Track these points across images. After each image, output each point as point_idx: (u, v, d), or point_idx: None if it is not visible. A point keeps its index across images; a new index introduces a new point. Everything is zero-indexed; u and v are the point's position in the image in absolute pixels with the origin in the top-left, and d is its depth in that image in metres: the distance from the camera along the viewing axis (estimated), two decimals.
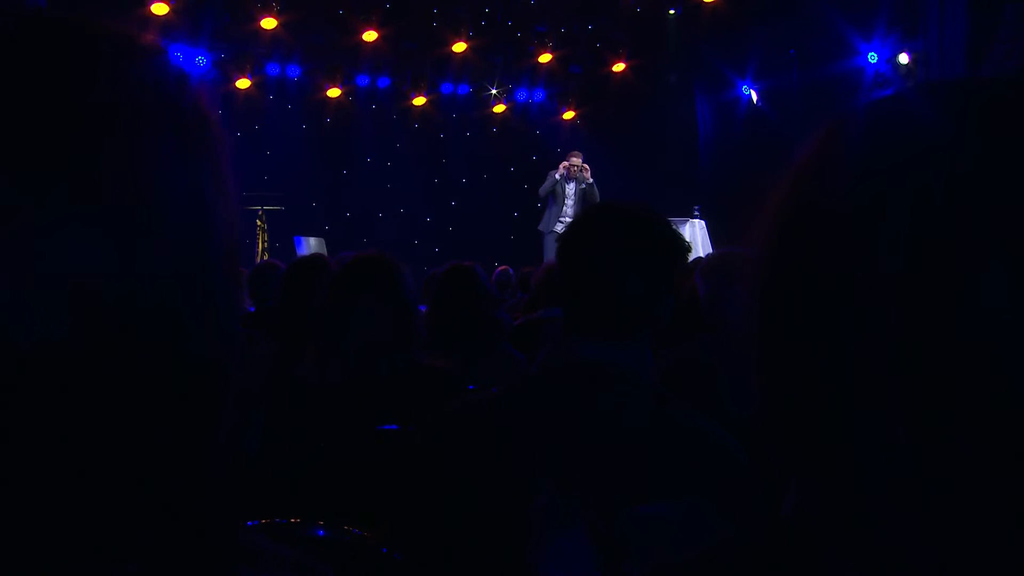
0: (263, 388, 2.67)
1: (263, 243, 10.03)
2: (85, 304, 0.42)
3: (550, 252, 9.66)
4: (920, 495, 0.43)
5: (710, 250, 9.89)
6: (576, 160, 9.78)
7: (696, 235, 9.91)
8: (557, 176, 9.71)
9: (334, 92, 12.12)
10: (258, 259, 9.96)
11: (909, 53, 10.45)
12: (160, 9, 10.27)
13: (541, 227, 9.93)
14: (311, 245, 10.24)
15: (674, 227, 1.42)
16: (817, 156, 0.52)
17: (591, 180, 9.68)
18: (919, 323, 0.43)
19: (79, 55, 0.46)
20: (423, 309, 2.86)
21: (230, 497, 0.51)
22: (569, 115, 13.21)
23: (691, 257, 9.59)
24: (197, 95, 0.51)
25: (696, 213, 10.13)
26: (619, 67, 12.49)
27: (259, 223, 10.06)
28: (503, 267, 6.76)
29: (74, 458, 0.42)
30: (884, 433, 0.44)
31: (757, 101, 11.69)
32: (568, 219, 9.72)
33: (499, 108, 12.97)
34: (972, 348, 0.41)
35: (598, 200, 9.56)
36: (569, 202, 9.82)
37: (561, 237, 1.40)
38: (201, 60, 11.44)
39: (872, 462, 0.45)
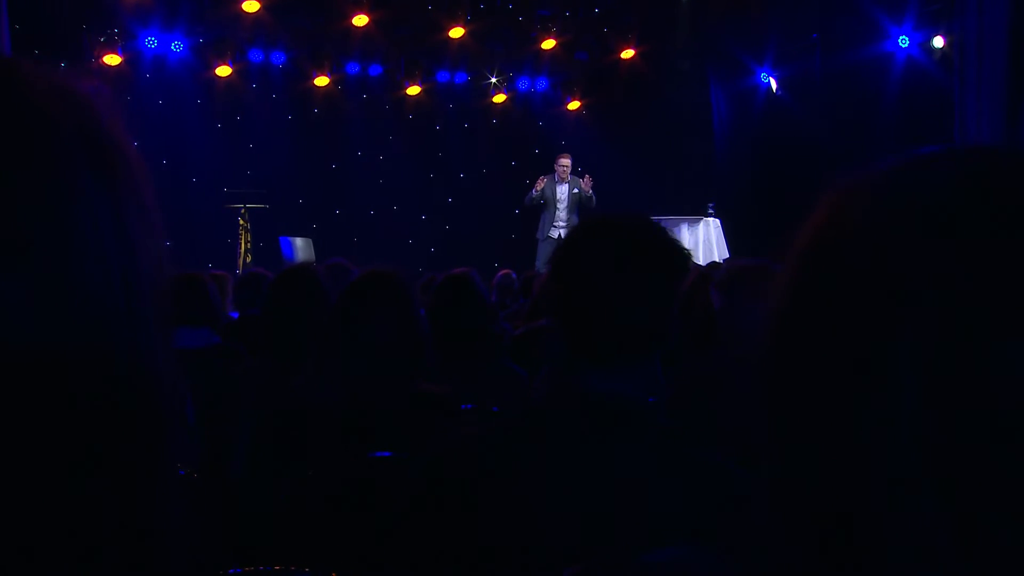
0: (248, 407, 2.72)
1: (246, 244, 10.07)
2: (8, 335, 0.47)
3: (543, 259, 9.77)
4: None
5: (725, 252, 9.93)
6: (565, 162, 9.86)
7: (710, 235, 9.96)
8: (535, 193, 9.85)
9: (322, 81, 12.16)
10: (240, 260, 10.01)
11: (944, 37, 10.45)
12: None
13: (538, 235, 10.04)
14: (298, 246, 10.28)
15: (671, 233, 1.42)
16: (831, 233, 0.53)
17: (590, 192, 9.78)
18: (954, 416, 0.43)
19: None
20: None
21: (203, 524, 0.57)
22: (574, 105, 13.25)
23: (705, 259, 9.67)
24: (113, 130, 0.56)
25: (710, 211, 10.18)
26: (628, 54, 12.53)
27: (241, 222, 10.10)
28: (505, 271, 6.80)
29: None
30: (922, 537, 0.43)
31: (777, 90, 11.72)
32: (563, 223, 9.83)
33: (499, 98, 13.01)
34: (1015, 435, 0.41)
35: (594, 204, 9.68)
36: (561, 206, 9.90)
37: (552, 260, 1.40)
38: (177, 45, 11.50)
39: (909, 566, 0.44)
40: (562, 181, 9.97)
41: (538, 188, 9.83)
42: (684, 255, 1.42)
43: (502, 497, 1.27)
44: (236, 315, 5.16)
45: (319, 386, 2.05)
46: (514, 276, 6.77)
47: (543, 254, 9.92)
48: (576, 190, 9.89)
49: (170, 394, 0.56)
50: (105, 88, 0.58)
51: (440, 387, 2.22)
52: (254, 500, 2.25)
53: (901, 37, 10.83)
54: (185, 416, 2.80)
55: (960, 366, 0.43)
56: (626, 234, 1.36)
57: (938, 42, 10.62)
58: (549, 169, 10.10)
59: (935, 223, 0.48)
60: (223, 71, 11.67)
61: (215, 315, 3.53)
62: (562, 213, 9.92)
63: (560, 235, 9.91)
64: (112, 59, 11.14)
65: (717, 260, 9.82)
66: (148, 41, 11.42)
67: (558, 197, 9.94)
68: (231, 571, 0.82)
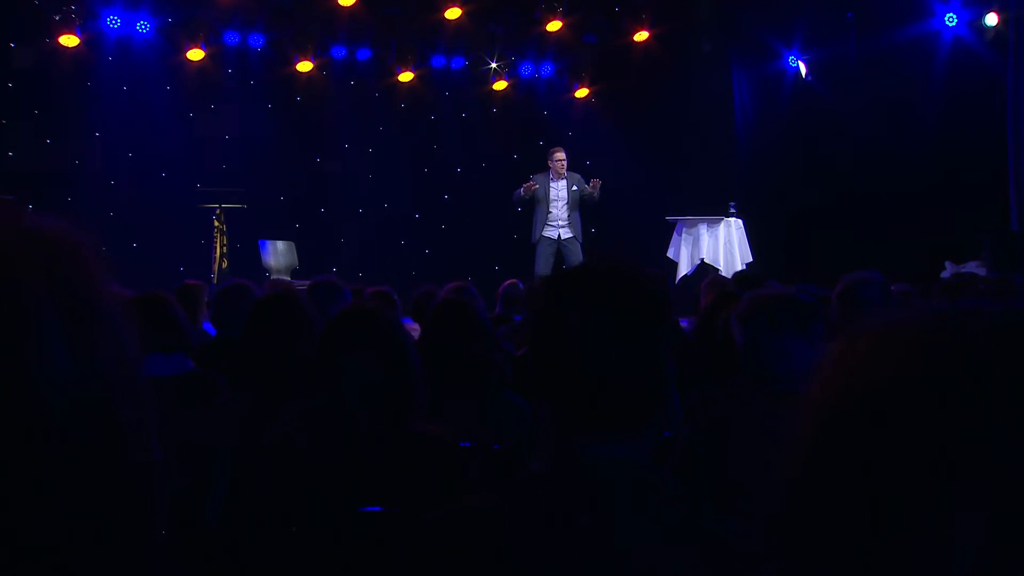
0: (225, 447, 2.74)
1: (221, 248, 10.10)
2: None
3: (541, 263, 9.82)
4: None
5: (749, 256, 9.95)
6: (561, 156, 9.92)
7: (732, 237, 9.98)
8: (523, 192, 9.93)
9: (305, 66, 12.18)
10: (216, 266, 10.03)
11: (998, 13, 10.44)
12: None
13: (532, 238, 10.07)
14: (279, 251, 10.32)
15: (659, 286, 1.44)
16: (863, 383, 0.56)
17: (596, 196, 9.82)
18: None
19: None
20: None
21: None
22: (582, 93, 13.26)
23: (726, 264, 9.68)
24: (83, 277, 0.63)
25: (732, 211, 10.21)
26: (642, 36, 12.54)
27: (216, 224, 10.13)
28: (511, 281, 6.83)
29: None
30: None
31: (806, 75, 11.74)
32: (563, 223, 9.86)
33: (500, 85, 13.02)
34: None
35: (596, 200, 9.71)
36: (560, 203, 9.92)
37: (532, 323, 1.42)
38: (144, 25, 11.50)
39: None
40: (558, 177, 9.98)
41: (528, 191, 9.86)
42: (666, 299, 1.44)
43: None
44: (212, 330, 5.19)
45: (302, 430, 2.07)
46: (521, 286, 6.80)
47: (541, 257, 9.96)
48: (576, 187, 9.91)
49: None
50: (76, 229, 0.64)
51: (435, 427, 2.24)
52: (230, 554, 2.27)
53: (948, 15, 10.81)
54: (152, 453, 2.82)
55: (1019, 546, 0.46)
56: (604, 294, 1.36)
57: (991, 19, 10.61)
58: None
59: (982, 390, 0.50)
60: (195, 55, 11.68)
61: (187, 339, 3.55)
62: (560, 212, 9.94)
63: (559, 235, 9.94)
64: (69, 40, 11.04)
65: (740, 266, 9.84)
66: (110, 20, 11.40)
67: (553, 195, 9.96)
68: None
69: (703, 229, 10.04)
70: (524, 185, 9.96)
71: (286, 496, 2.07)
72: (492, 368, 3.03)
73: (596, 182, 9.85)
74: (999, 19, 10.52)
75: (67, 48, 11.13)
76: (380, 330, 2.07)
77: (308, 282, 9.83)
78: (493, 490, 1.43)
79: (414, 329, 5.88)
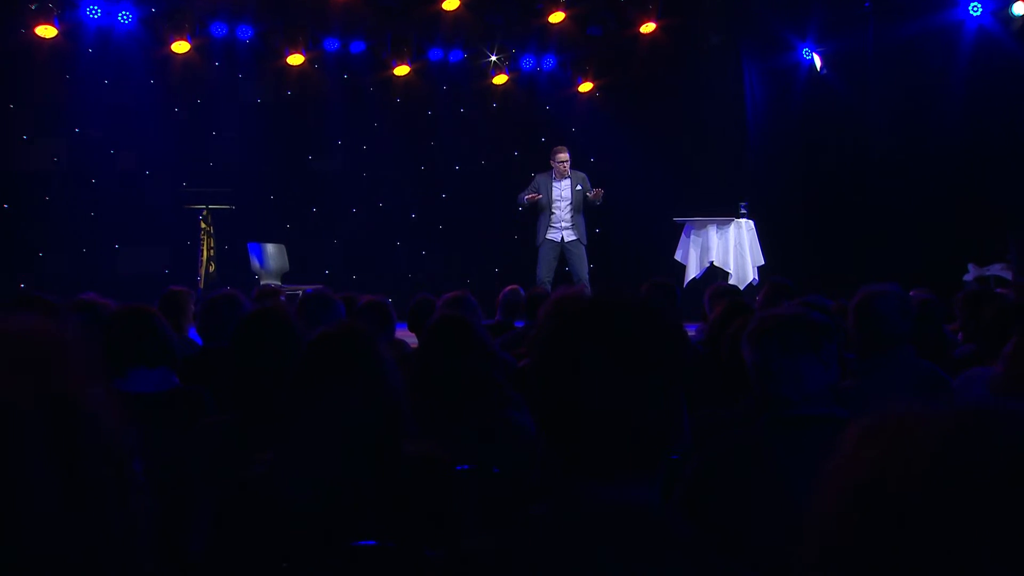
0: (211, 472, 2.73)
1: (208, 251, 10.10)
2: None
3: (543, 268, 9.85)
4: None
5: (760, 259, 9.94)
6: (564, 156, 9.96)
7: (743, 239, 9.97)
8: (526, 199, 9.97)
9: (296, 59, 12.20)
10: (202, 270, 10.03)
11: None
12: None
13: (536, 240, 10.11)
14: (269, 254, 10.31)
15: (672, 323, 1.41)
16: (893, 475, 0.59)
17: (599, 202, 9.86)
18: None
19: None
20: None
21: None
22: (586, 87, 13.27)
23: (736, 267, 9.66)
24: (75, 389, 0.65)
25: (743, 211, 10.19)
26: (648, 27, 12.54)
27: (203, 226, 10.13)
28: (512, 287, 6.83)
29: None
30: None
31: (821, 68, 11.73)
32: (567, 225, 9.89)
33: (500, 79, 13.04)
34: None
35: (599, 204, 9.74)
36: (564, 205, 9.96)
37: (538, 360, 1.41)
38: (125, 16, 11.48)
39: None
40: (561, 177, 10.01)
41: (531, 202, 9.90)
42: (680, 336, 1.43)
43: None
44: (199, 338, 5.18)
45: (285, 465, 2.06)
46: (522, 292, 6.80)
47: (543, 261, 9.99)
48: (580, 187, 9.93)
49: None
50: (58, 326, 0.64)
51: (427, 446, 2.23)
52: None
53: (972, 4, 10.78)
54: (134, 475, 2.82)
55: None
56: (615, 331, 1.37)
57: (1018, 7, 10.58)
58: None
59: (992, 511, 0.53)
60: (180, 47, 11.68)
61: (171, 354, 3.55)
62: (564, 214, 9.98)
63: (563, 238, 9.96)
64: (47, 31, 10.97)
65: (752, 270, 9.83)
66: (90, 10, 11.38)
67: (555, 196, 9.99)
68: None
69: (712, 230, 10.02)
70: (528, 196, 9.99)
71: (272, 534, 2.06)
72: (492, 387, 3.03)
73: (598, 191, 9.88)
74: None
75: (44, 39, 11.07)
76: (360, 355, 2.06)
77: (299, 287, 9.88)
78: (492, 534, 1.43)
79: (409, 338, 5.91)
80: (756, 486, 2.24)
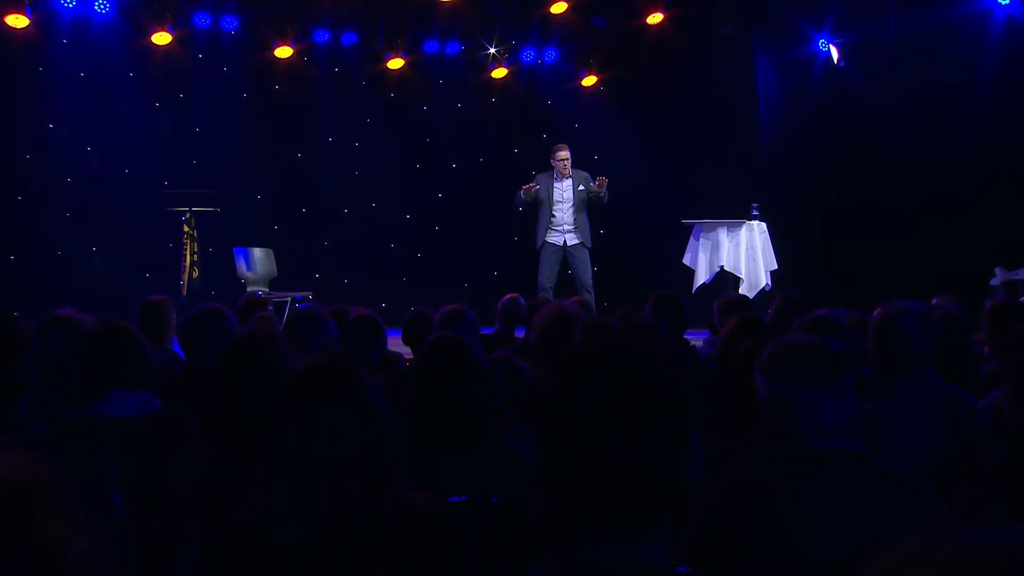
0: (196, 508, 2.73)
1: (191, 256, 10.10)
2: None
3: (544, 273, 9.83)
4: None
5: (773, 263, 9.94)
6: (565, 155, 9.94)
7: (755, 242, 9.97)
8: (523, 194, 9.95)
9: (284, 51, 12.20)
10: (185, 276, 10.03)
11: None
12: None
13: (536, 243, 10.09)
14: (256, 258, 10.31)
15: (673, 375, 1.43)
16: None
17: (604, 193, 9.84)
18: None
19: None
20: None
21: None
22: (590, 81, 13.28)
23: (747, 272, 9.63)
24: (47, 528, 0.65)
25: (755, 213, 10.19)
26: (655, 18, 12.55)
27: (186, 229, 10.13)
28: (512, 295, 6.82)
29: None
30: None
31: (839, 61, 11.73)
32: (569, 226, 9.88)
33: (499, 72, 13.04)
34: None
35: (606, 202, 9.72)
36: (565, 206, 9.95)
37: (541, 409, 1.41)
38: (103, 5, 11.45)
39: None
40: (562, 177, 10.00)
41: (528, 193, 9.88)
42: (688, 383, 1.45)
43: None
44: (182, 352, 5.18)
45: (276, 500, 2.05)
46: (522, 301, 6.80)
47: (545, 266, 9.97)
48: (582, 187, 9.92)
49: None
50: (33, 466, 0.64)
51: (421, 496, 2.21)
52: None
53: None
54: (114, 508, 2.81)
55: None
56: (621, 379, 1.37)
57: None
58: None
59: None
60: (162, 38, 11.67)
61: (152, 375, 3.55)
62: (565, 215, 9.96)
63: (565, 241, 9.94)
64: (17, 20, 10.93)
65: (764, 275, 9.82)
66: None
67: (556, 197, 9.98)
68: None
69: (723, 233, 10.01)
70: (524, 187, 9.96)
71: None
72: (491, 414, 3.02)
73: (602, 180, 9.83)
74: None
75: (15, 29, 11.02)
76: (346, 391, 2.04)
77: (287, 294, 9.86)
78: None
79: (404, 352, 5.91)
80: (771, 524, 2.24)
